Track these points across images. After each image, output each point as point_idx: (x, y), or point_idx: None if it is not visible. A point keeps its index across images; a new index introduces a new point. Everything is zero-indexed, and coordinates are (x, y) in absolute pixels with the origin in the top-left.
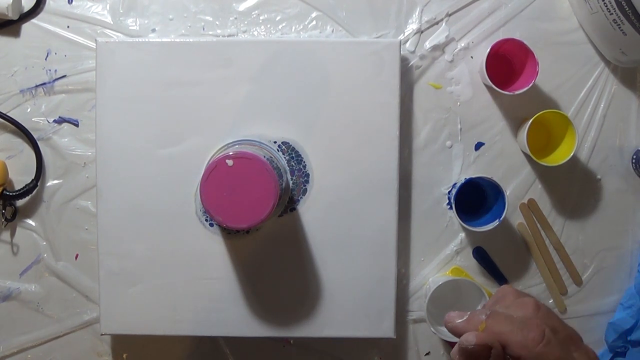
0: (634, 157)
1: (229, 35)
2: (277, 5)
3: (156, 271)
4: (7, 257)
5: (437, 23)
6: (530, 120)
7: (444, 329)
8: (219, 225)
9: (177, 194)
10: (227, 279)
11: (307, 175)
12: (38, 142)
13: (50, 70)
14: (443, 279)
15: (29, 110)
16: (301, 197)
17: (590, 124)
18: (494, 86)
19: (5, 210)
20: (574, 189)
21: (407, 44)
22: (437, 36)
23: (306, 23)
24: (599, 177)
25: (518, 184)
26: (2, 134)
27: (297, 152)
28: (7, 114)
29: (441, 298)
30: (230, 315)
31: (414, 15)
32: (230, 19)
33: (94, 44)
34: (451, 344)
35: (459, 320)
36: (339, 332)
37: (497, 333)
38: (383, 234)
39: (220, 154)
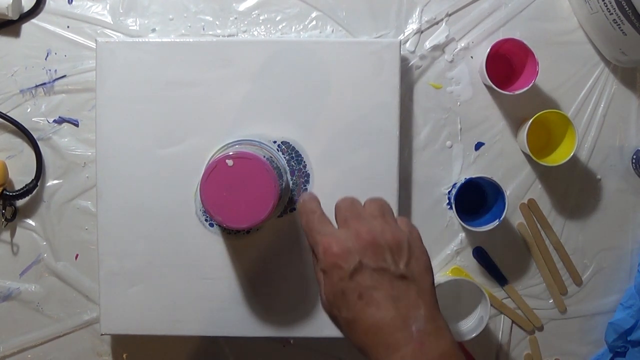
0: (634, 157)
1: (229, 35)
2: (277, 5)
3: (156, 271)
4: (7, 257)
5: (437, 23)
6: (530, 120)
7: None
8: (219, 225)
9: (177, 194)
10: (227, 279)
11: (307, 175)
12: (38, 142)
13: (50, 70)
14: (443, 279)
15: (29, 110)
16: None
17: (590, 124)
18: (494, 86)
19: (5, 210)
20: (574, 189)
21: (407, 44)
22: (437, 36)
23: (306, 23)
24: (599, 177)
25: (518, 184)
26: (2, 134)
27: (297, 152)
28: (7, 114)
29: (441, 298)
30: (230, 315)
31: (414, 15)
32: (230, 19)
33: (94, 44)
34: None
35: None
36: (339, 332)
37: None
38: None
39: (220, 154)
